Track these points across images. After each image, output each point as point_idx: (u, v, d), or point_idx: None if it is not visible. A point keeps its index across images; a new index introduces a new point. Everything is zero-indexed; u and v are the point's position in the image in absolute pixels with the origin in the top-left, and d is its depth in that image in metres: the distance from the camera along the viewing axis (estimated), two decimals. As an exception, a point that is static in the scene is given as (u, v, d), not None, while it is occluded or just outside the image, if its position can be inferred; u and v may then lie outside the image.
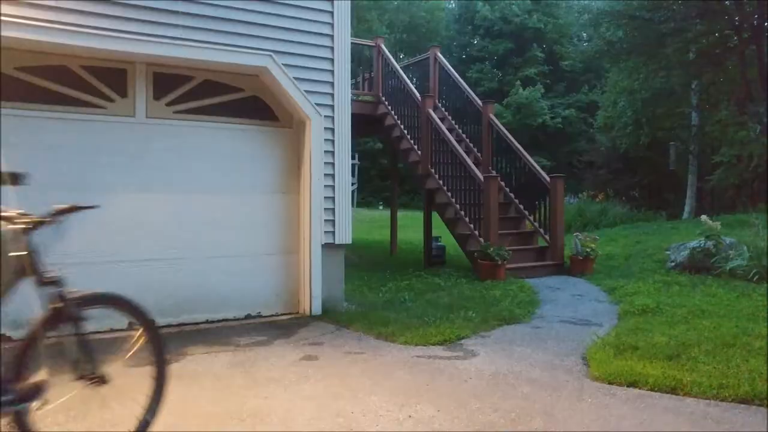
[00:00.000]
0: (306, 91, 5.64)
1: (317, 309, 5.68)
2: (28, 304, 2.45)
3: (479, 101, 9.89)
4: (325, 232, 5.78)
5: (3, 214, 2.35)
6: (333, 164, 5.88)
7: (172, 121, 5.33)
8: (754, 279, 6.77)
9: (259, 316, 5.58)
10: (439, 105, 10.58)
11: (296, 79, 5.57)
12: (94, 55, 4.88)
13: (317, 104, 5.72)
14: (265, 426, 3.01)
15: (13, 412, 2.30)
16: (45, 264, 2.43)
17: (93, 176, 4.93)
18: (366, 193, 26.04)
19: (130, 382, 2.59)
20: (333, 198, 5.88)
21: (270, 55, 5.40)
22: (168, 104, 5.31)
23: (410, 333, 4.84)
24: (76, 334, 2.48)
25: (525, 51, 29.84)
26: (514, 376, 3.81)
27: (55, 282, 2.45)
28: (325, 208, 5.79)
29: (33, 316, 2.41)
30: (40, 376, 2.36)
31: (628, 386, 3.58)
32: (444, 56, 11.03)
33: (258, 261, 5.67)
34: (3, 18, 4.24)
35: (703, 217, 8.11)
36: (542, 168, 9.38)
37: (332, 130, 5.88)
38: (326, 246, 5.80)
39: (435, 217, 9.40)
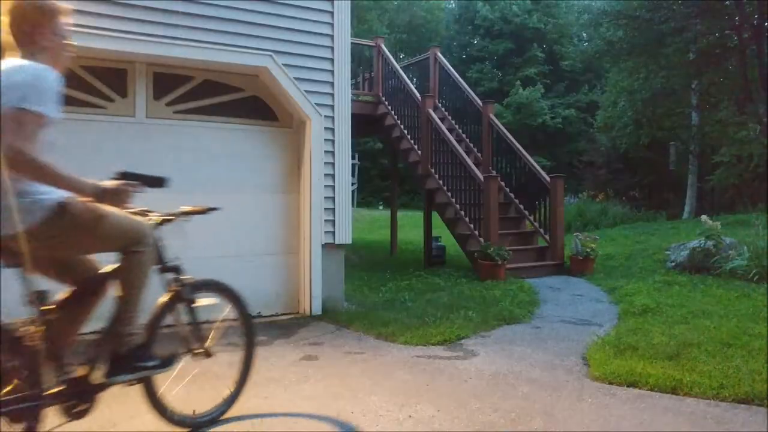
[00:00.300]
0: (306, 91, 5.64)
1: (317, 309, 5.68)
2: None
3: (479, 101, 9.89)
4: (325, 232, 5.78)
5: (134, 209, 2.66)
6: (333, 164, 5.88)
7: (172, 121, 5.33)
8: (754, 279, 6.77)
9: (259, 316, 5.57)
10: (439, 105, 10.58)
11: (296, 79, 5.57)
12: (94, 55, 4.88)
13: (317, 104, 5.72)
14: (266, 426, 3.01)
15: (145, 379, 2.65)
16: (167, 255, 2.76)
17: (93, 176, 4.91)
18: (366, 193, 26.04)
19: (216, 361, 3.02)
20: (333, 198, 5.88)
21: (270, 55, 5.40)
22: (168, 104, 5.31)
23: (410, 333, 4.85)
24: (188, 314, 2.84)
25: (525, 51, 29.84)
26: (514, 376, 3.81)
27: (174, 269, 2.79)
28: (325, 208, 5.79)
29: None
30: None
31: (628, 386, 3.58)
32: (444, 56, 11.04)
33: (258, 261, 5.67)
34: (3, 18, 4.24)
35: (703, 217, 8.11)
36: (542, 168, 9.39)
37: (332, 130, 5.88)
38: (326, 246, 5.80)
39: (435, 217, 9.40)
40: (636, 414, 3.15)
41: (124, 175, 2.53)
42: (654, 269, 7.97)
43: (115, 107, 5.08)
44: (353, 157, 15.19)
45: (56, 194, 2.30)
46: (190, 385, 3.10)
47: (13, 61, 2.30)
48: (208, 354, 2.91)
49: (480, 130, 9.80)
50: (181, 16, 5.02)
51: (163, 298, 2.77)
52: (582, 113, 27.32)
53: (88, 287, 2.52)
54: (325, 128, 5.81)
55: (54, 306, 2.38)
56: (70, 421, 2.41)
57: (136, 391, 2.71)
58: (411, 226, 15.62)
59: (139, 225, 2.56)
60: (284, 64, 5.48)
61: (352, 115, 6.12)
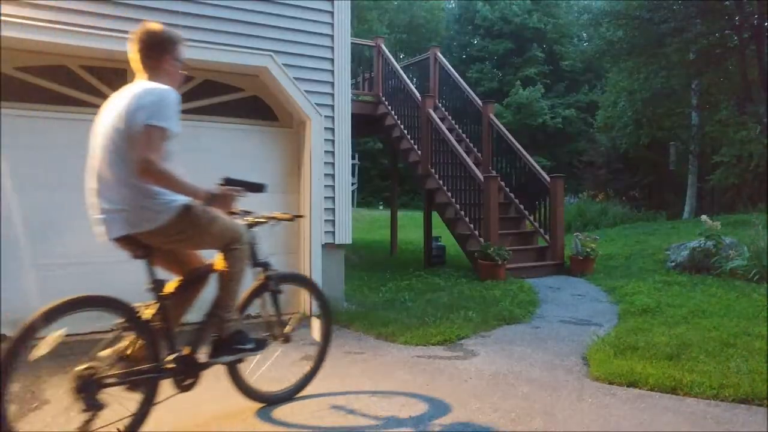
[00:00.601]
0: (306, 91, 5.64)
1: (317, 309, 5.67)
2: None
3: (479, 101, 9.89)
4: (325, 232, 5.78)
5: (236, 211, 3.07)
6: (333, 164, 5.88)
7: (172, 121, 5.32)
8: (754, 279, 6.77)
9: (259, 315, 5.56)
10: (439, 105, 10.58)
11: (296, 79, 5.57)
12: (94, 55, 4.88)
13: (317, 104, 5.72)
14: (266, 426, 3.01)
15: (231, 362, 3.04)
16: (259, 253, 3.16)
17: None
18: (366, 193, 26.04)
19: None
20: (333, 198, 5.88)
21: (270, 55, 5.40)
22: (168, 104, 5.31)
23: (410, 333, 4.85)
24: (273, 303, 3.27)
25: (525, 51, 29.83)
26: (514, 376, 3.81)
27: (263, 264, 3.20)
28: (325, 208, 5.79)
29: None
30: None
31: (628, 386, 3.58)
32: (444, 56, 11.03)
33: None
34: (3, 18, 4.24)
35: (703, 217, 8.11)
36: (542, 168, 9.38)
37: (332, 130, 5.88)
38: (326, 246, 5.80)
39: (435, 217, 9.40)
40: (636, 414, 3.15)
41: (228, 182, 2.88)
42: (654, 269, 7.97)
43: (115, 107, 5.08)
44: (353, 157, 15.19)
45: (181, 199, 2.69)
46: (274, 365, 3.56)
47: (142, 84, 2.67)
48: (287, 339, 3.33)
49: (480, 130, 9.80)
50: (181, 16, 5.02)
51: (252, 287, 3.20)
52: (582, 113, 27.31)
53: (195, 278, 2.95)
54: (325, 128, 5.81)
55: (168, 293, 2.79)
56: (179, 392, 2.81)
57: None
58: (411, 226, 15.62)
59: (238, 226, 2.95)
60: (284, 64, 5.48)
61: (352, 115, 6.12)
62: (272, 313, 3.28)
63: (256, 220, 3.20)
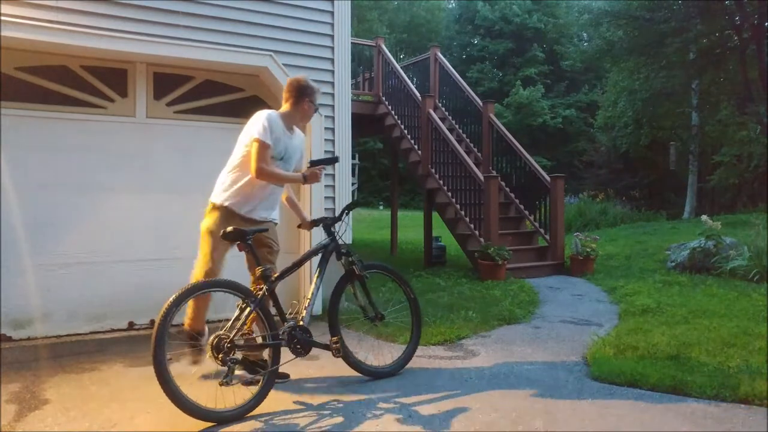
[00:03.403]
0: (306, 91, 5.63)
1: (317, 309, 5.67)
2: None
3: (479, 101, 9.89)
4: (325, 232, 5.77)
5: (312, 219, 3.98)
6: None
7: (172, 121, 5.32)
8: (755, 279, 6.77)
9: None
10: (440, 105, 10.58)
11: (296, 79, 5.57)
12: (94, 55, 4.88)
13: (317, 104, 5.70)
14: (266, 425, 3.01)
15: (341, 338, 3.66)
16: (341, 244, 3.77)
17: (93, 176, 4.93)
18: (366, 193, 26.05)
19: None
20: (333, 198, 5.87)
21: (270, 55, 5.40)
22: (168, 104, 5.31)
23: (410, 333, 4.83)
24: (362, 288, 3.82)
25: (525, 51, 29.85)
26: (515, 376, 3.81)
27: (348, 254, 3.77)
28: (325, 208, 5.79)
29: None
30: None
31: (628, 386, 3.58)
32: (444, 56, 11.03)
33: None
34: (3, 18, 4.24)
35: (704, 217, 8.11)
36: (542, 168, 9.38)
37: (332, 130, 5.88)
38: (326, 246, 5.79)
39: (435, 217, 9.40)
40: (636, 414, 3.15)
41: (312, 163, 3.65)
42: (654, 269, 7.96)
43: (116, 107, 5.08)
44: (353, 157, 15.17)
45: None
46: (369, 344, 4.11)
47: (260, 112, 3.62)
48: (383, 318, 3.95)
49: (480, 129, 9.79)
50: (181, 16, 5.02)
51: (344, 275, 3.80)
52: (582, 113, 27.33)
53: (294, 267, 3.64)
54: (325, 128, 5.81)
55: (275, 277, 3.41)
56: (295, 358, 3.42)
57: (135, 392, 2.71)
58: (411, 226, 15.62)
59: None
60: (284, 64, 5.48)
61: (352, 115, 6.12)
62: (363, 298, 3.85)
63: (336, 217, 3.83)
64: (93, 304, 4.87)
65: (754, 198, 14.26)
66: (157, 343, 2.87)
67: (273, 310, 3.43)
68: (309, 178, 3.55)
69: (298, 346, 3.41)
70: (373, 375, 3.75)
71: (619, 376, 3.68)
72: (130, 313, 5.02)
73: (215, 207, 3.60)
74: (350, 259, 3.74)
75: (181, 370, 3.32)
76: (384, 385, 3.64)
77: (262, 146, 3.41)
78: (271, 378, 3.23)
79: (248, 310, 3.18)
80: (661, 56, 15.04)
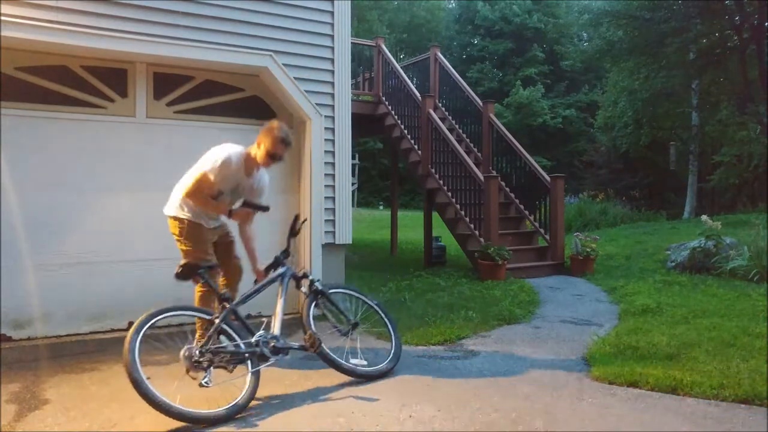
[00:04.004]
0: (306, 91, 5.63)
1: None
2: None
3: (479, 101, 9.89)
4: (325, 232, 5.77)
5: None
6: (333, 164, 5.88)
7: (172, 121, 5.32)
8: (755, 279, 6.77)
9: (260, 315, 5.54)
10: (440, 105, 10.58)
11: (297, 79, 5.57)
12: (94, 55, 4.88)
13: (317, 104, 5.71)
14: (266, 425, 3.01)
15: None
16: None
17: (93, 176, 4.93)
18: (366, 193, 26.05)
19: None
20: (333, 198, 5.87)
21: (270, 55, 5.39)
22: (168, 104, 5.31)
23: (411, 333, 4.85)
24: (331, 304, 4.09)
25: (525, 51, 29.84)
26: (515, 376, 3.81)
27: (304, 277, 4.01)
28: (325, 208, 5.79)
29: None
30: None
31: (628, 386, 3.58)
32: (444, 56, 11.02)
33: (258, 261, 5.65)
34: (3, 18, 4.24)
35: (704, 217, 8.11)
36: (542, 168, 9.38)
37: (332, 130, 5.88)
38: (326, 246, 5.79)
39: (435, 217, 9.40)
40: (636, 414, 3.15)
41: (245, 204, 3.88)
42: (654, 269, 7.96)
43: (116, 107, 5.08)
44: (353, 157, 15.18)
45: None
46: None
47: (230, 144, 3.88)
48: (355, 325, 4.08)
49: (480, 129, 9.79)
50: (181, 16, 5.02)
51: (308, 298, 3.97)
52: (582, 113, 27.33)
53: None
54: (326, 128, 5.81)
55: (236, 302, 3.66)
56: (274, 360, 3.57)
57: (135, 392, 2.71)
58: (411, 226, 15.62)
59: None
60: (284, 64, 5.48)
61: (352, 115, 6.11)
62: (331, 311, 4.12)
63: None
64: (93, 304, 4.87)
65: (754, 198, 14.26)
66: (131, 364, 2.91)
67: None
68: (235, 215, 3.84)
69: (275, 348, 3.53)
70: (353, 375, 3.76)
71: (619, 376, 3.68)
72: (130, 313, 5.00)
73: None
74: (309, 279, 3.96)
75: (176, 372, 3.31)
76: (383, 386, 3.64)
77: (204, 178, 3.66)
78: (256, 378, 3.35)
79: (213, 326, 3.32)
80: (661, 56, 15.04)
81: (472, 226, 8.28)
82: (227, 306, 3.46)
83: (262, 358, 3.44)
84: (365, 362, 3.87)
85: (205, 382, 3.18)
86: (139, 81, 5.15)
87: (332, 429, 2.96)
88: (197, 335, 3.67)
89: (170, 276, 4.28)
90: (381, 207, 24.19)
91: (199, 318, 3.61)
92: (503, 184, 9.14)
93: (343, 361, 3.79)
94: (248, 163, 3.80)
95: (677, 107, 16.67)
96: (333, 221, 5.85)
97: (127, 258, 5.05)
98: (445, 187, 8.73)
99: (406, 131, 9.61)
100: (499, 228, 8.02)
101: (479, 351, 4.44)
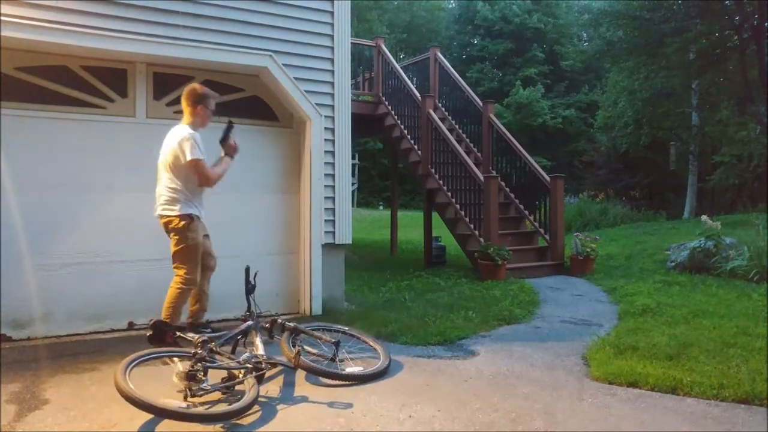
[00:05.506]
0: (306, 91, 5.63)
1: (318, 309, 5.68)
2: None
3: (479, 101, 9.89)
4: (325, 232, 5.78)
5: None
6: (333, 164, 5.88)
7: (172, 121, 5.29)
8: (755, 279, 6.77)
9: (260, 315, 5.56)
10: (440, 105, 10.58)
11: (296, 79, 5.57)
12: (94, 55, 4.88)
13: (317, 104, 5.71)
14: (266, 425, 3.01)
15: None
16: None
17: (93, 176, 4.93)
18: (366, 193, 26.05)
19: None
20: (333, 198, 5.87)
21: (270, 55, 5.39)
22: (168, 104, 5.30)
23: (410, 333, 4.85)
24: (309, 337, 4.21)
25: (525, 51, 29.85)
26: (515, 376, 3.81)
27: (273, 323, 4.13)
28: (325, 208, 5.79)
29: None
30: None
31: (628, 386, 3.58)
32: (444, 56, 11.03)
33: (258, 261, 5.65)
34: (3, 18, 4.24)
35: (704, 217, 8.11)
36: (542, 168, 9.38)
37: (332, 130, 5.88)
38: (326, 246, 5.79)
39: (435, 217, 9.40)
40: (636, 414, 3.15)
41: (222, 141, 4.47)
42: (654, 269, 7.96)
43: (115, 107, 5.08)
44: (353, 157, 15.19)
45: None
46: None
47: (177, 128, 4.28)
48: (337, 344, 4.05)
49: (480, 130, 9.80)
50: (181, 16, 5.02)
51: (285, 336, 4.02)
52: (582, 113, 27.34)
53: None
54: (325, 128, 5.81)
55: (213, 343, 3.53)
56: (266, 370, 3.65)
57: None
58: (411, 226, 15.62)
59: None
60: (284, 64, 5.48)
61: (352, 115, 6.11)
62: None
63: None
64: (93, 304, 4.87)
65: (754, 198, 14.26)
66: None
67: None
68: (231, 151, 4.42)
69: (261, 364, 3.54)
70: (342, 379, 3.73)
71: (620, 376, 3.68)
72: (130, 313, 5.01)
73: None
74: (279, 321, 4.07)
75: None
76: (383, 386, 3.64)
77: (201, 164, 4.16)
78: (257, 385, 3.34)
79: (199, 364, 3.19)
80: (661, 56, 15.04)
81: (471, 226, 8.28)
82: (205, 338, 3.37)
83: (258, 369, 3.48)
84: (361, 368, 3.85)
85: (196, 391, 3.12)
86: (138, 81, 5.15)
87: (332, 429, 2.96)
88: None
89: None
90: (381, 207, 24.19)
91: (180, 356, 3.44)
92: (503, 184, 9.14)
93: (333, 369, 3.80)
94: (194, 130, 4.27)
95: (677, 107, 16.67)
96: (333, 221, 5.85)
97: (127, 258, 5.05)
98: (445, 187, 8.73)
99: (406, 131, 9.61)
100: (499, 228, 8.02)
101: (479, 351, 4.44)
